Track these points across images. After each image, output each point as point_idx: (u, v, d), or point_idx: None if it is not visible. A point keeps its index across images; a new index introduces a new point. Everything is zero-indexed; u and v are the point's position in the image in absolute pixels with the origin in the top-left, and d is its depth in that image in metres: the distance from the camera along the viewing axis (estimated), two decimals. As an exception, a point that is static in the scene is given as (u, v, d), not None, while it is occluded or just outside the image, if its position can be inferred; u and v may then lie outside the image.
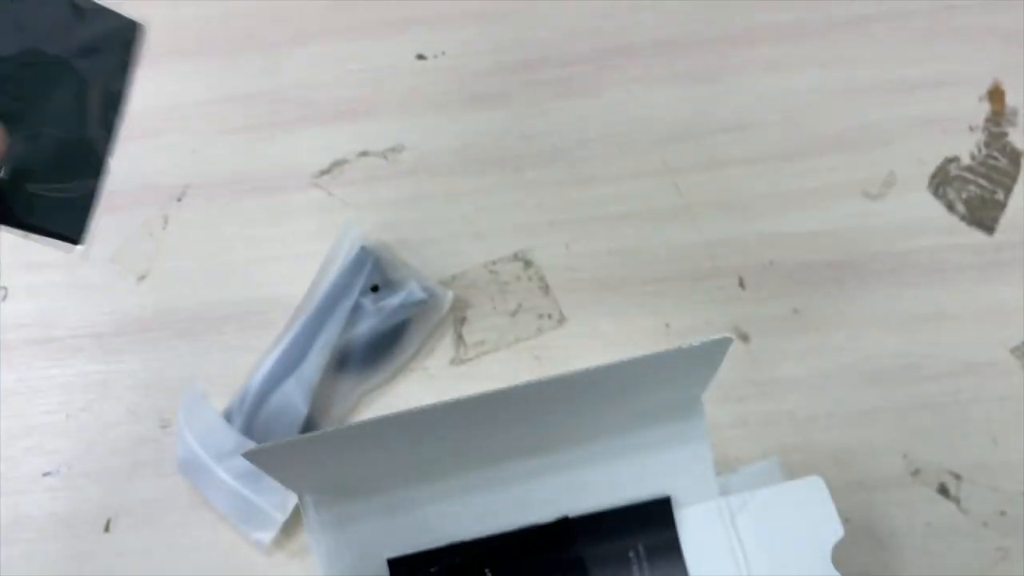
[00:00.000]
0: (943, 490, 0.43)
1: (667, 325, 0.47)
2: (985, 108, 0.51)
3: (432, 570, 0.34)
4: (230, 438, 0.42)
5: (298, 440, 0.30)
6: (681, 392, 0.35)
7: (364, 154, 0.51)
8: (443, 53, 0.53)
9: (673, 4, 0.54)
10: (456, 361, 0.46)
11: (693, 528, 0.38)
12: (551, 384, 0.31)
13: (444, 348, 0.47)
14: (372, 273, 0.46)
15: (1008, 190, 0.49)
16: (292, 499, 0.42)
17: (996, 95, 0.51)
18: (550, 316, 0.47)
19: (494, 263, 0.48)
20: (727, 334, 0.30)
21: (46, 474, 0.44)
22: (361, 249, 0.46)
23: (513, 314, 0.47)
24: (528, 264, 0.48)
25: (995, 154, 0.50)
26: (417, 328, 0.46)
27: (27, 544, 0.43)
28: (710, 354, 0.32)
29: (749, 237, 0.48)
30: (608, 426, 0.36)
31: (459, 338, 0.47)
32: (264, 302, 0.47)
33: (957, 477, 0.43)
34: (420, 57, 0.53)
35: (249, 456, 0.29)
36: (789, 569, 0.37)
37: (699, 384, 0.35)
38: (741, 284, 0.47)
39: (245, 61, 0.53)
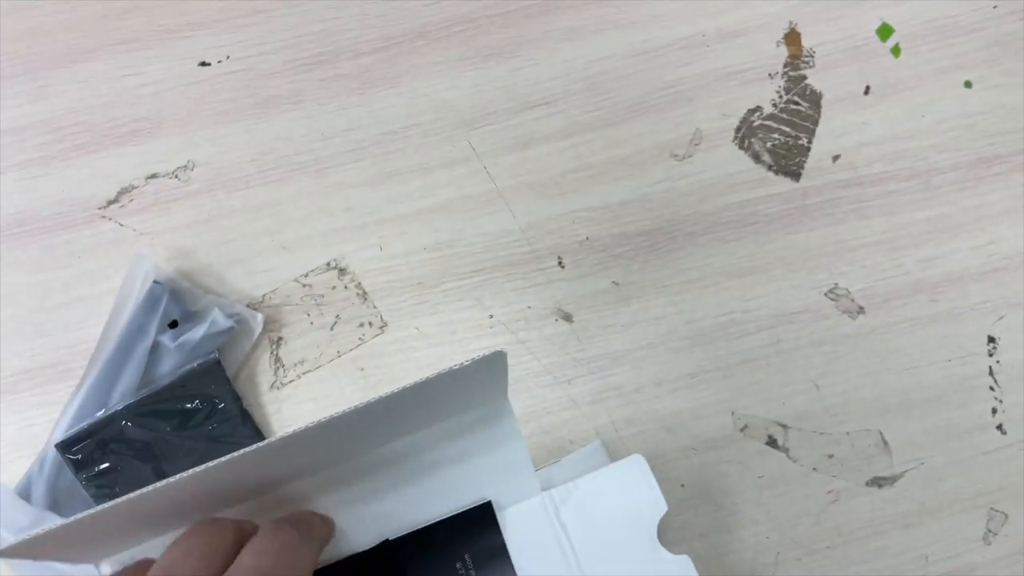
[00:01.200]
0: (772, 442, 0.44)
1: (491, 316, 0.46)
2: (783, 53, 0.51)
3: None
4: (26, 513, 0.39)
5: (46, 533, 0.28)
6: (481, 404, 0.34)
7: (153, 176, 0.48)
8: (227, 57, 0.50)
9: (463, -21, 0.52)
10: (276, 385, 0.44)
11: (518, 528, 0.37)
12: (344, 418, 0.29)
13: (262, 374, 0.45)
14: (169, 307, 0.43)
15: (811, 134, 0.50)
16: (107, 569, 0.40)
17: (792, 37, 0.51)
18: (371, 323, 0.46)
19: (306, 276, 0.46)
20: (501, 348, 0.29)
21: None
22: (154, 283, 0.43)
23: (332, 327, 0.45)
24: (343, 272, 0.46)
25: (796, 99, 0.50)
26: (229, 358, 0.44)
27: None
28: (492, 366, 0.31)
29: (564, 215, 0.47)
30: (418, 444, 0.35)
31: (277, 361, 0.45)
32: (60, 352, 0.44)
33: (784, 427, 0.44)
34: (203, 64, 0.50)
35: (9, 552, 0.27)
36: (617, 553, 0.37)
37: (496, 393, 0.34)
38: (560, 264, 0.47)
39: (8, 90, 0.49)
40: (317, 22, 0.51)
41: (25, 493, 0.40)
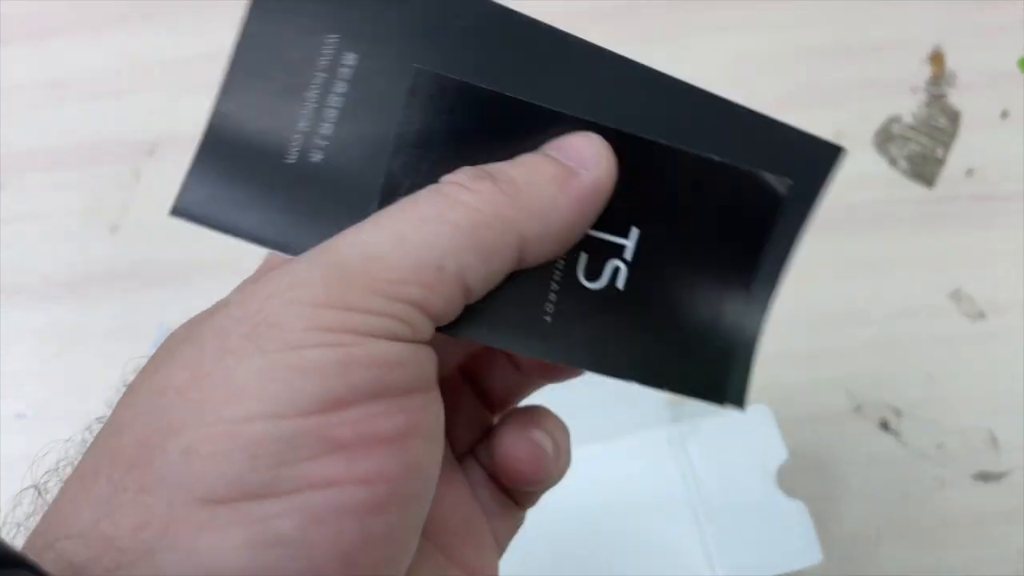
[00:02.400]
0: (884, 424, 0.46)
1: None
2: (926, 71, 0.54)
3: None
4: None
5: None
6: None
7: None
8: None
9: (631, -30, 0.56)
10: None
11: (645, 452, 0.40)
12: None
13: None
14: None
15: (947, 147, 0.52)
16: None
17: (937, 59, 0.54)
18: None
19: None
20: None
21: (19, 416, 0.45)
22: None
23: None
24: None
25: (935, 114, 0.53)
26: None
27: None
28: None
29: (703, 190, 0.50)
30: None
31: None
32: (233, 250, 0.48)
33: (897, 412, 0.46)
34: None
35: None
36: (736, 490, 0.39)
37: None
38: (695, 234, 0.50)
39: (212, 19, 0.55)
40: None
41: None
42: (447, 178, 0.18)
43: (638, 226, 0.20)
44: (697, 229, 0.20)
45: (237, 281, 0.50)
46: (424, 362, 0.17)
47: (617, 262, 0.20)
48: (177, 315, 0.48)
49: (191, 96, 0.53)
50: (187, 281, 0.48)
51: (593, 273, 0.20)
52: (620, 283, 0.20)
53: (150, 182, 0.50)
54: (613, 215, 0.19)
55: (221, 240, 0.51)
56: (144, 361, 0.17)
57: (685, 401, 0.43)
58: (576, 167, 0.18)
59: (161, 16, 0.55)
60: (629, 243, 0.20)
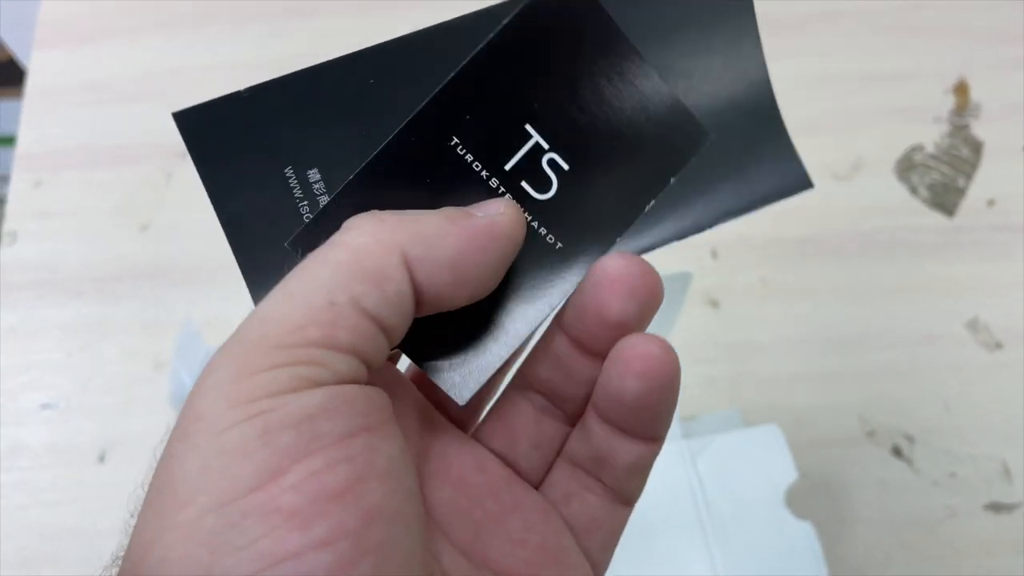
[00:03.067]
0: (896, 451, 0.46)
1: (642, 290, 0.49)
2: (950, 101, 0.54)
3: None
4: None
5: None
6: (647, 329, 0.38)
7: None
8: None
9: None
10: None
11: (655, 467, 0.40)
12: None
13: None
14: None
15: (969, 177, 0.52)
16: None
17: (961, 89, 0.54)
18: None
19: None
20: (688, 270, 0.33)
21: (44, 407, 0.47)
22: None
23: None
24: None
25: (958, 144, 0.53)
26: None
27: (23, 472, 0.45)
28: (672, 289, 0.34)
29: (722, 211, 0.51)
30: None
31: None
32: (259, 255, 0.50)
33: (910, 439, 0.46)
34: (418, 34, 0.56)
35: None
36: (745, 508, 0.39)
37: (664, 320, 0.37)
38: (713, 255, 0.50)
39: (249, 30, 0.56)
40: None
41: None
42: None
43: (531, 123, 0.20)
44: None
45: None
46: (357, 400, 0.16)
47: (544, 156, 0.20)
48: (201, 313, 0.50)
49: (224, 102, 0.54)
50: (212, 280, 0.49)
51: (541, 182, 0.20)
52: (565, 166, 0.20)
53: (181, 184, 0.52)
54: (508, 127, 0.20)
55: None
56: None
57: (696, 418, 0.43)
58: (474, 211, 0.19)
59: (198, 24, 0.56)
60: (536, 137, 0.20)
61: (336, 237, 0.17)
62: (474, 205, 0.19)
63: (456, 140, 0.20)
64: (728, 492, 0.39)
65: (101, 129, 0.54)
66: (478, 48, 0.20)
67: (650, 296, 0.20)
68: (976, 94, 0.54)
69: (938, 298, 0.49)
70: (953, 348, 0.48)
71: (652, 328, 0.37)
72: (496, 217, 0.19)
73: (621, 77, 0.20)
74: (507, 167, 0.20)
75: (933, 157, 0.52)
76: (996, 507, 0.45)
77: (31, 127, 0.54)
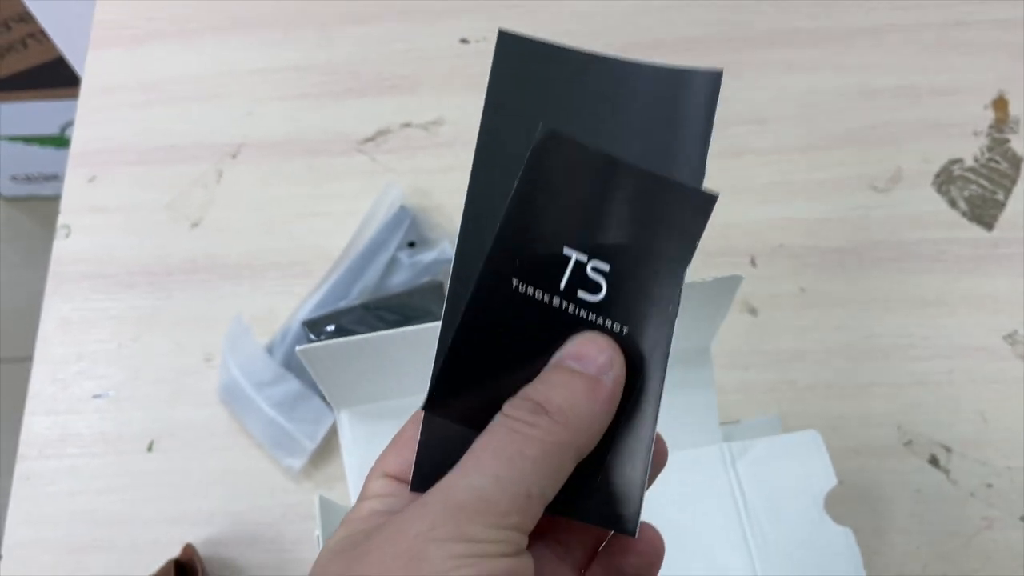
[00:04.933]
0: (933, 461, 0.46)
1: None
2: (989, 115, 0.54)
3: None
4: (270, 368, 0.45)
5: (344, 343, 0.33)
6: (692, 331, 0.38)
7: (407, 125, 0.55)
8: (484, 39, 0.57)
9: (701, 6, 0.58)
10: (482, 317, 0.50)
11: (696, 469, 0.40)
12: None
13: (471, 305, 0.50)
14: (409, 230, 0.49)
15: (1008, 191, 0.52)
16: (323, 428, 0.45)
17: (1000, 104, 0.55)
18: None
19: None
20: (739, 273, 0.33)
21: (96, 396, 0.48)
22: (400, 207, 0.50)
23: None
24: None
25: (997, 158, 0.53)
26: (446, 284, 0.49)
27: (74, 459, 0.47)
28: (721, 291, 0.35)
29: (762, 220, 0.52)
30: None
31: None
32: (306, 252, 0.51)
33: (948, 450, 0.46)
34: (463, 41, 0.57)
35: (302, 354, 0.33)
36: (785, 512, 0.39)
37: (709, 324, 0.38)
38: (752, 263, 0.51)
39: (300, 35, 0.57)
40: (566, 23, 0.58)
41: (270, 352, 0.46)
42: (511, 412, 0.22)
43: (566, 246, 0.24)
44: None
45: (306, 280, 0.52)
46: (524, 567, 0.21)
47: (587, 267, 0.24)
48: (250, 308, 0.51)
49: (274, 104, 0.56)
50: (261, 277, 0.50)
51: (591, 287, 0.24)
52: (606, 267, 0.24)
53: (231, 182, 0.53)
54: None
55: (293, 242, 0.54)
56: None
57: (737, 422, 0.43)
58: (598, 375, 0.23)
59: (250, 28, 0.58)
60: (574, 254, 0.24)
61: (523, 429, 0.22)
62: (580, 352, 0.23)
63: (516, 282, 0.23)
64: (768, 495, 0.40)
65: (154, 128, 0.55)
66: (509, 200, 0.23)
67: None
68: (1016, 109, 0.54)
69: (976, 311, 0.49)
70: (991, 361, 0.48)
71: (695, 332, 0.38)
72: (616, 374, 0.23)
73: (623, 190, 0.24)
74: (562, 287, 0.23)
75: (972, 170, 0.53)
76: (1034, 519, 0.45)
77: (86, 125, 0.55)
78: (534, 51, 0.25)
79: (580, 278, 0.23)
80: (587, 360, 0.23)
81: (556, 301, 0.23)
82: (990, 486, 0.45)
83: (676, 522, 0.39)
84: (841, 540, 0.39)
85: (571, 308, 0.24)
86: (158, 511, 0.46)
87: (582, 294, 0.23)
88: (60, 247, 0.52)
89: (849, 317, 0.49)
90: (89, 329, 0.49)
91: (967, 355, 0.48)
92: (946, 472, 0.46)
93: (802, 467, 0.40)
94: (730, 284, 0.34)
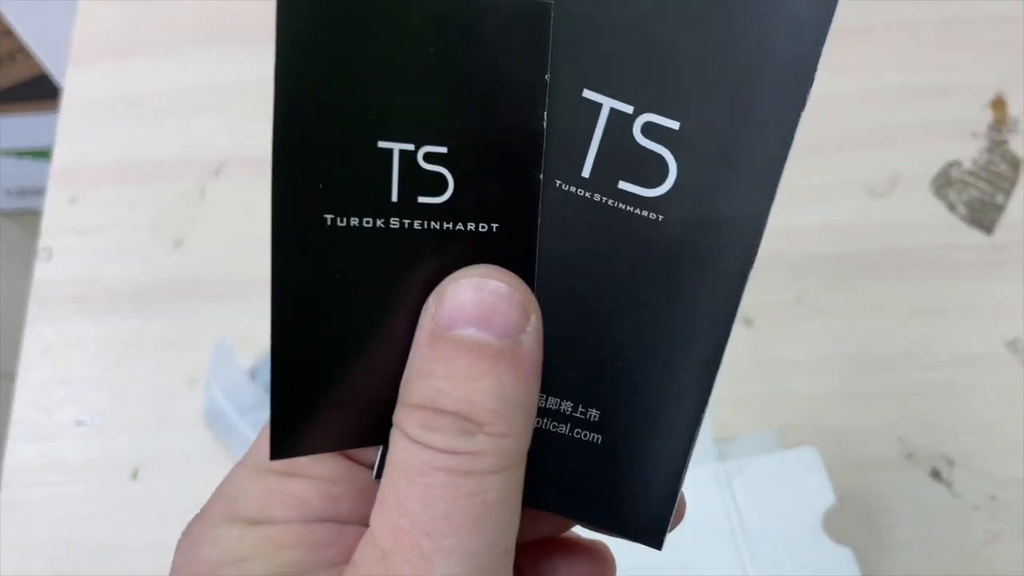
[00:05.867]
0: (936, 474, 0.45)
1: (675, 308, 0.49)
2: (988, 116, 0.53)
3: None
4: (254, 393, 0.44)
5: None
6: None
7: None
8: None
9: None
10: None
11: (691, 489, 0.39)
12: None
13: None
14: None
15: (1008, 194, 0.51)
16: (311, 453, 0.44)
17: (999, 104, 0.53)
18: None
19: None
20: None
21: (79, 423, 0.47)
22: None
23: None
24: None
25: (996, 160, 0.52)
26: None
27: (58, 487, 0.46)
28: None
29: (757, 228, 0.50)
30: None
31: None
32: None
33: (950, 462, 0.45)
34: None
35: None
36: (782, 531, 0.38)
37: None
38: (747, 272, 0.49)
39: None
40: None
41: (253, 377, 0.45)
42: (431, 441, 0.16)
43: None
44: None
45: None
46: None
47: (418, 156, 0.17)
48: (235, 329, 0.50)
49: (257, 119, 0.54)
50: (247, 296, 0.49)
51: (433, 186, 0.17)
52: (443, 149, 0.17)
53: (215, 200, 0.52)
54: None
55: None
56: None
57: (733, 439, 0.42)
58: (515, 337, 0.16)
59: (232, 41, 0.57)
60: (395, 145, 0.17)
61: (468, 466, 0.16)
62: (458, 304, 0.16)
63: (329, 217, 0.16)
64: (765, 516, 0.39)
65: (136, 145, 0.54)
66: (275, 100, 0.16)
67: None
68: (1014, 109, 0.53)
69: (978, 317, 0.48)
70: (994, 369, 0.47)
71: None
72: (532, 325, 0.16)
73: (434, 38, 0.16)
74: (394, 197, 0.16)
75: (971, 173, 0.52)
76: (1040, 532, 0.44)
77: (66, 143, 0.54)
78: None
79: (414, 177, 0.16)
80: (491, 321, 0.16)
81: (394, 222, 0.16)
82: (994, 498, 0.44)
83: (670, 545, 0.38)
84: (841, 560, 0.38)
85: (418, 224, 0.16)
86: (145, 539, 0.45)
87: (424, 199, 0.16)
88: (42, 270, 0.51)
89: (848, 326, 0.48)
90: (72, 353, 0.48)
91: (969, 363, 0.47)
92: (948, 485, 0.45)
93: (800, 486, 0.39)
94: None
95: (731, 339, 0.48)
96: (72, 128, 0.55)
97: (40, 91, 1.05)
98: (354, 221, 0.16)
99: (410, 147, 0.16)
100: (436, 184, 0.16)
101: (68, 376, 0.48)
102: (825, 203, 0.51)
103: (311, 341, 0.16)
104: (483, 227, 0.17)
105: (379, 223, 0.16)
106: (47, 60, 0.89)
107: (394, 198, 0.16)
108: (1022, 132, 0.53)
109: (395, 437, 0.16)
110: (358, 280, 0.16)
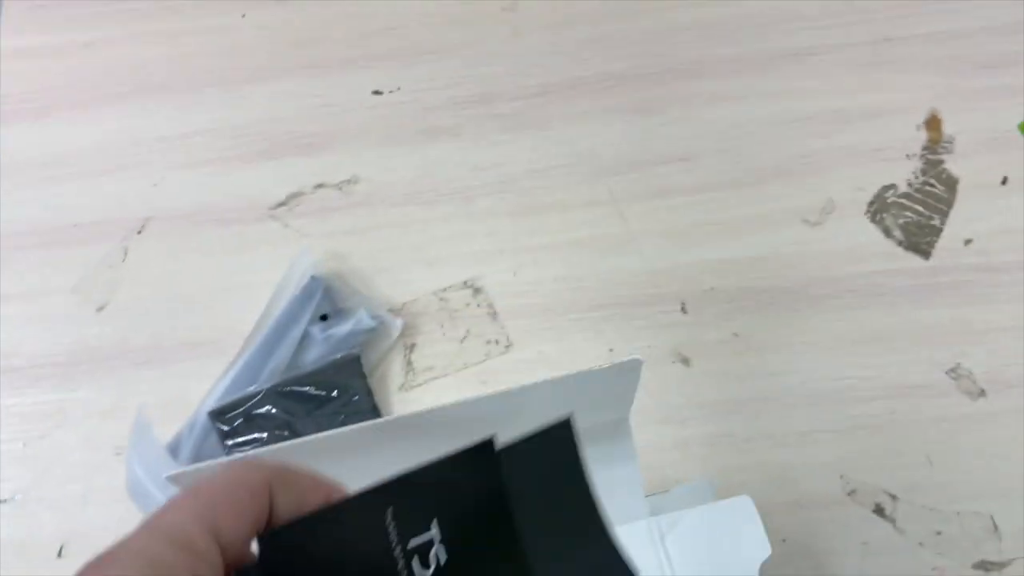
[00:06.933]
0: (879, 510, 0.44)
1: (610, 350, 0.48)
2: (922, 137, 0.52)
3: None
4: (172, 467, 0.43)
5: (218, 464, 0.31)
6: (605, 413, 0.36)
7: (320, 186, 0.53)
8: (398, 88, 0.55)
9: (619, 40, 0.56)
10: (405, 387, 0.48)
11: (624, 546, 0.38)
12: (478, 402, 0.32)
13: (394, 375, 0.48)
14: (322, 302, 0.47)
15: (944, 216, 0.50)
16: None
17: (933, 123, 0.53)
18: (497, 342, 0.48)
19: (444, 291, 0.50)
20: (637, 356, 0.31)
21: (2, 502, 0.46)
22: (311, 278, 0.47)
23: (462, 340, 0.49)
24: (477, 291, 0.50)
25: (932, 181, 0.51)
26: (367, 357, 0.47)
27: (-18, 570, 0.44)
28: (625, 375, 0.33)
29: (691, 264, 0.50)
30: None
31: (408, 364, 0.48)
32: (218, 331, 0.49)
33: (893, 497, 0.44)
34: (376, 93, 0.55)
35: (173, 481, 0.31)
36: (718, 587, 0.37)
37: (622, 405, 0.36)
38: (683, 309, 0.49)
39: (207, 97, 0.55)
40: (481, 66, 0.56)
41: (174, 451, 0.44)
42: None
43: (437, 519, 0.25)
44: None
45: (220, 359, 0.49)
46: None
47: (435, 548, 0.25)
48: (160, 393, 0.48)
49: (182, 171, 0.53)
50: (171, 359, 0.48)
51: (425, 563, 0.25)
52: (442, 560, 0.25)
53: (138, 260, 0.51)
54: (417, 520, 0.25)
55: (204, 319, 0.51)
56: None
57: (666, 492, 0.42)
58: None
59: (154, 93, 0.55)
60: (434, 532, 0.25)
61: None
62: None
63: (390, 511, 0.24)
64: (699, 570, 0.38)
65: (59, 206, 0.53)
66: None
67: None
68: (949, 127, 0.53)
69: (918, 345, 0.47)
70: (935, 398, 0.46)
71: (609, 409, 0.36)
72: None
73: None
74: (411, 543, 0.24)
75: (907, 196, 0.51)
76: (985, 566, 0.43)
77: (-12, 206, 0.53)
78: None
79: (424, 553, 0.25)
80: None
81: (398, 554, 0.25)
82: (939, 533, 0.44)
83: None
84: (778, 613, 0.37)
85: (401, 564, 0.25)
86: (73, 618, 0.43)
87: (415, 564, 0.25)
88: (-38, 341, 0.49)
89: (785, 362, 0.47)
90: (-6, 428, 0.47)
91: (909, 394, 0.46)
92: (892, 521, 0.44)
93: (734, 537, 0.38)
94: (631, 367, 0.32)
95: (668, 380, 0.47)
96: (-7, 191, 0.53)
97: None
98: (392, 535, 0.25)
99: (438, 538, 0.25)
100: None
101: (-9, 452, 0.47)
102: (759, 235, 0.50)
103: None
104: None
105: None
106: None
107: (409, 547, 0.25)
108: (957, 151, 0.52)
109: None
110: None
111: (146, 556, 0.20)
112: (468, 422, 0.34)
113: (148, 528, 0.21)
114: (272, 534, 0.23)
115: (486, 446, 0.26)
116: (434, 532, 0.25)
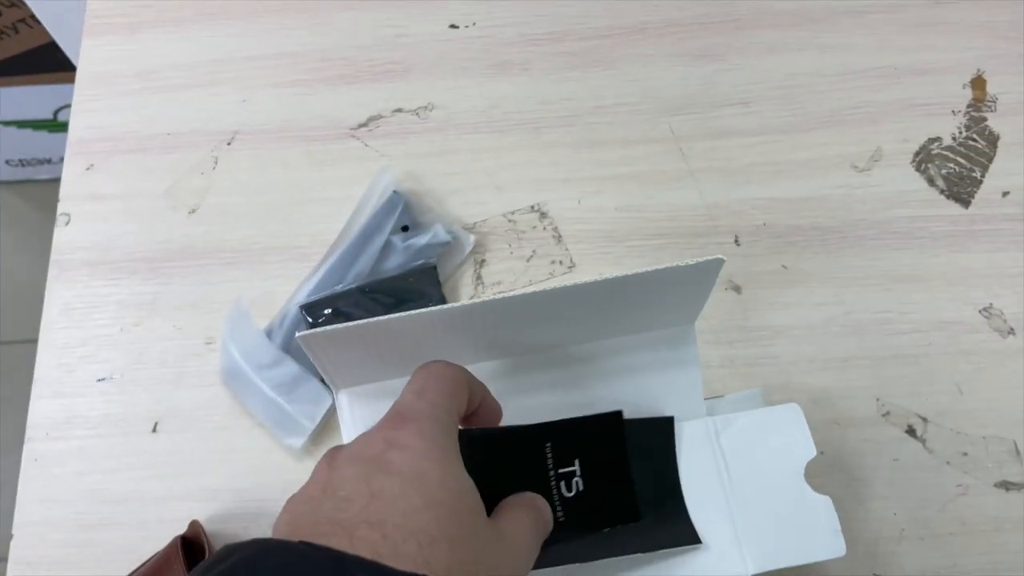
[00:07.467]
0: (911, 431, 0.48)
1: (667, 275, 0.52)
2: (968, 95, 0.56)
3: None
4: (269, 352, 0.46)
5: (340, 328, 0.35)
6: (679, 313, 0.40)
7: (398, 111, 0.56)
8: (474, 24, 0.58)
9: (686, -12, 0.59)
10: (475, 299, 0.51)
11: (682, 442, 0.42)
12: (564, 291, 0.35)
13: (465, 287, 0.51)
14: (402, 215, 0.50)
15: (985, 169, 0.54)
16: (322, 409, 0.47)
17: (978, 83, 0.56)
18: (561, 262, 0.52)
19: (512, 213, 0.53)
20: (720, 256, 0.35)
21: (100, 380, 0.49)
22: (393, 193, 0.51)
23: (528, 259, 0.52)
24: (543, 215, 0.53)
25: (974, 136, 0.55)
26: (441, 267, 0.51)
27: (81, 440, 0.48)
28: (703, 273, 0.36)
29: (745, 200, 0.53)
30: (607, 350, 0.41)
31: (478, 278, 0.52)
32: (302, 238, 0.52)
33: (924, 420, 0.48)
34: (452, 26, 0.58)
35: (301, 339, 0.34)
36: (766, 481, 0.41)
37: (694, 305, 0.39)
38: (736, 242, 0.52)
39: (293, 22, 0.58)
40: (552, 7, 0.59)
41: (269, 337, 0.47)
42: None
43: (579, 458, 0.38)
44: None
45: (303, 264, 0.53)
46: None
47: (574, 477, 0.38)
48: (248, 292, 0.52)
49: (268, 91, 0.56)
50: (259, 261, 0.52)
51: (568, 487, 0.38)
52: (580, 487, 0.38)
53: (227, 169, 0.54)
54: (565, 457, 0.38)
55: (290, 227, 0.55)
56: None
57: (720, 397, 0.45)
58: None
59: (243, 16, 0.58)
60: (576, 467, 0.38)
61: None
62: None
63: (549, 446, 0.37)
64: (750, 466, 0.41)
65: (150, 116, 0.56)
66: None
67: None
68: (993, 87, 0.56)
69: (953, 286, 0.51)
70: (967, 333, 0.50)
71: (680, 312, 0.39)
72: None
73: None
74: (561, 470, 0.38)
75: (950, 149, 0.54)
76: (1006, 485, 0.47)
77: (82, 113, 0.56)
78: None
79: (568, 479, 0.38)
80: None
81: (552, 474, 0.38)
82: (965, 454, 0.47)
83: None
84: (821, 508, 0.40)
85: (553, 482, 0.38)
86: (164, 489, 0.47)
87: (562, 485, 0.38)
88: (60, 235, 0.53)
89: (830, 294, 0.51)
90: (92, 315, 0.51)
91: (943, 329, 0.50)
92: (923, 441, 0.48)
93: (783, 439, 0.42)
94: (712, 267, 0.36)
95: (720, 305, 0.50)
96: (87, 99, 0.57)
97: (42, 62, 1.07)
98: (549, 456, 0.38)
99: (578, 471, 0.39)
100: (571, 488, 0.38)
101: (88, 336, 0.50)
102: (810, 177, 0.53)
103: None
104: (560, 516, 0.38)
105: (551, 470, 0.38)
106: (55, 30, 0.91)
107: (561, 470, 0.38)
108: (1000, 110, 0.55)
109: None
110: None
111: (432, 415, 0.31)
112: (550, 314, 0.37)
113: (417, 397, 0.32)
114: (469, 433, 0.33)
115: (617, 414, 0.39)
116: (576, 467, 0.38)
